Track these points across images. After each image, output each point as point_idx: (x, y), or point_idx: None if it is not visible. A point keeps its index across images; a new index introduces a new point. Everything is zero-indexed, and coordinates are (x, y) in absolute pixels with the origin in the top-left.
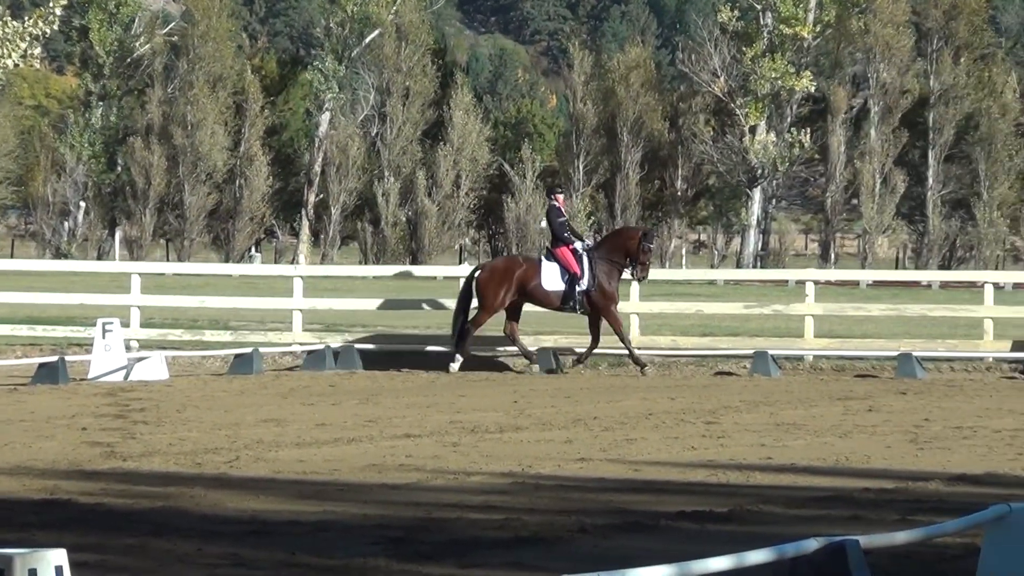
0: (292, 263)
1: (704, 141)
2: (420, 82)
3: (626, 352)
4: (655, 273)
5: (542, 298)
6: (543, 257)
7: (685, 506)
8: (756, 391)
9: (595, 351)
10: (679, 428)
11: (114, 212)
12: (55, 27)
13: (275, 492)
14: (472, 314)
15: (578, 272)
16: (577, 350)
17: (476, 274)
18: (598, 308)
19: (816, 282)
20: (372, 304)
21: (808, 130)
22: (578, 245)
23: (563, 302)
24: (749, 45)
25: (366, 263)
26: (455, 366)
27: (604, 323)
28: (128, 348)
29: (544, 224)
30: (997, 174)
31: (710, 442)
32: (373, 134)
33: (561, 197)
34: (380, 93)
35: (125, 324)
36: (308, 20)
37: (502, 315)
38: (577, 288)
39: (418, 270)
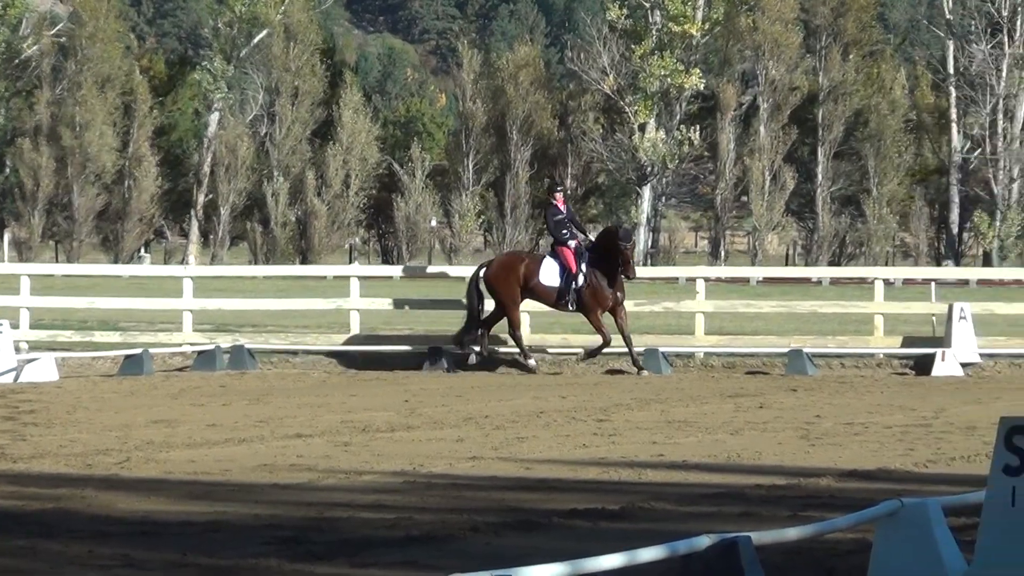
0: (182, 263)
1: (593, 139)
2: (309, 82)
3: (518, 352)
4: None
5: (541, 294)
6: (548, 254)
7: (577, 504)
8: (647, 388)
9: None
10: (570, 426)
11: (2, 213)
12: None
13: (166, 493)
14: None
15: (574, 270)
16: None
17: (482, 273)
18: (585, 308)
19: (706, 279)
20: (262, 304)
21: (697, 127)
22: (572, 244)
23: (558, 298)
24: (638, 43)
25: (256, 263)
26: (473, 359)
27: (612, 320)
28: (17, 350)
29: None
30: (886, 170)
31: (601, 440)
32: (262, 134)
33: (560, 196)
34: (269, 93)
35: (14, 326)
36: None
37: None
38: (572, 286)
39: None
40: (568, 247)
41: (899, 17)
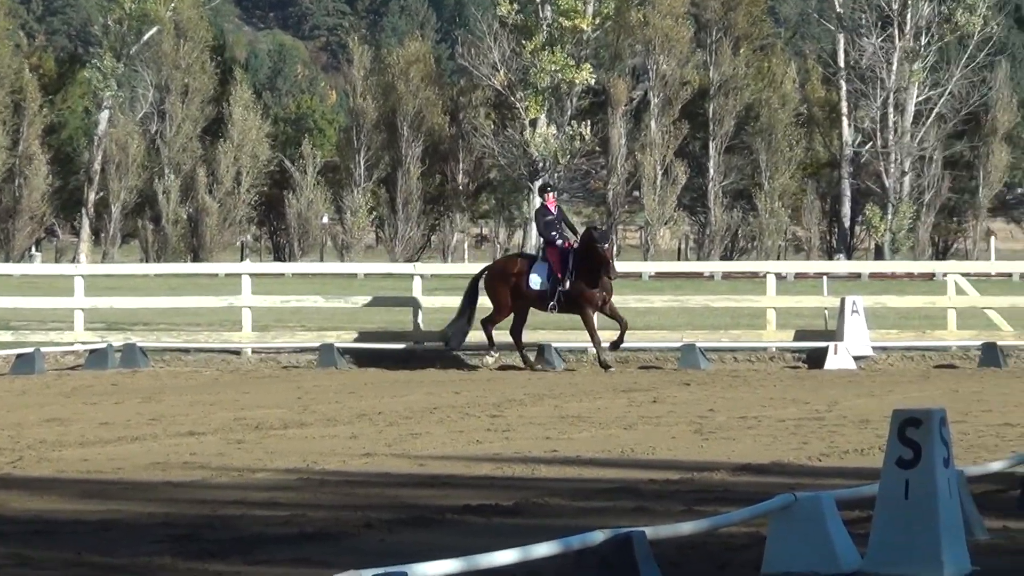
0: (73, 262)
1: (485, 135)
2: (199, 79)
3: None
4: (438, 267)
5: (529, 298)
6: (540, 257)
7: (471, 500)
8: (540, 384)
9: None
10: (464, 422)
11: None
12: None
13: (59, 492)
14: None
15: (559, 273)
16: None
17: (483, 275)
18: (577, 310)
19: None
20: (154, 302)
21: (589, 123)
22: (559, 244)
23: (544, 301)
24: (528, 38)
25: (147, 261)
26: (491, 360)
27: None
28: None
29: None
30: (778, 164)
31: (495, 436)
32: (153, 131)
33: (550, 196)
34: (159, 90)
35: None
36: (86, 18)
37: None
38: (559, 289)
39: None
40: (556, 248)
41: (789, 11)
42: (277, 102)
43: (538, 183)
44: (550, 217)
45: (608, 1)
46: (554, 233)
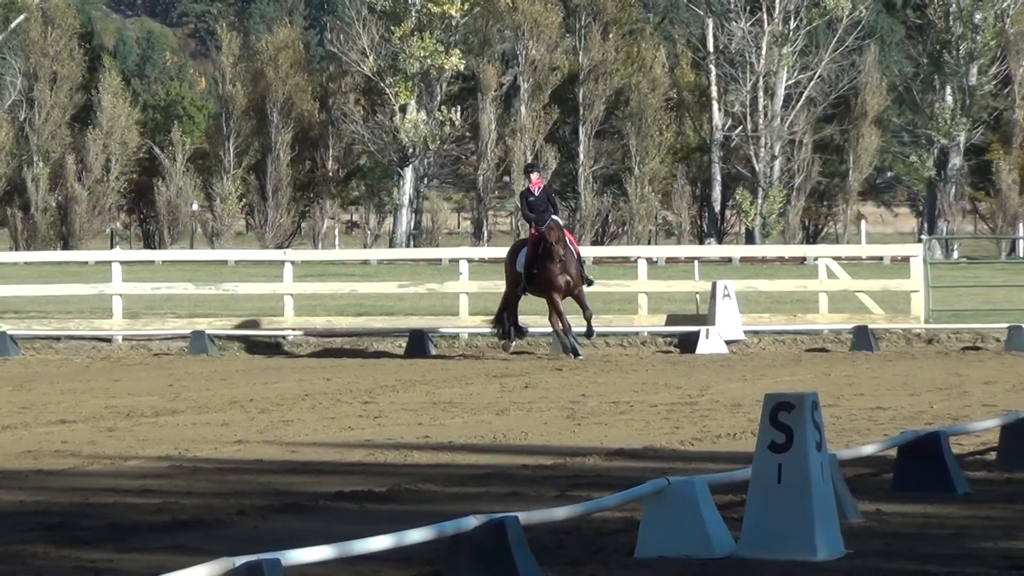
0: None
1: (355, 121)
2: (68, 66)
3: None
4: (307, 254)
5: (515, 278)
6: None
7: (344, 486)
8: (412, 370)
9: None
10: (336, 408)
11: None
12: None
13: None
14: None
15: (529, 254)
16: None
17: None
18: (541, 293)
19: (469, 260)
20: (24, 290)
21: (459, 108)
22: (540, 228)
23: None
24: (398, 24)
25: (16, 249)
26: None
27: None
28: None
29: None
30: (648, 149)
31: (367, 422)
32: (21, 119)
33: (535, 177)
34: (27, 78)
35: None
36: None
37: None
38: (531, 272)
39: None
40: (534, 231)
41: None
42: (146, 89)
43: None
44: (532, 198)
45: None
46: (532, 214)
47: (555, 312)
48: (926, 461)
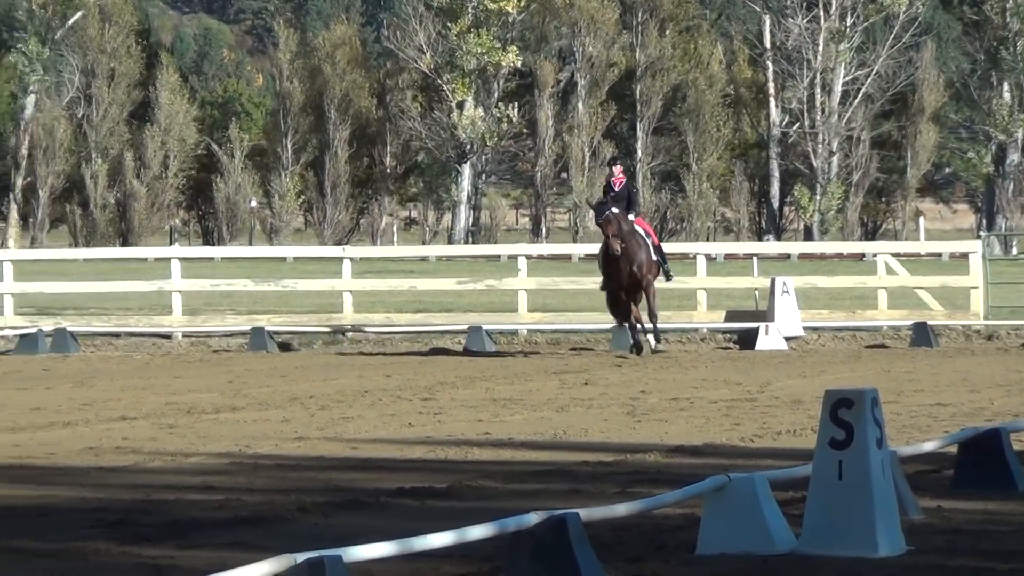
0: (1, 247)
1: (412, 117)
2: (125, 63)
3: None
4: (366, 251)
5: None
6: None
7: (404, 483)
8: (472, 367)
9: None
10: (396, 405)
11: None
12: None
13: None
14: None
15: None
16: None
17: None
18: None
19: (528, 256)
20: (84, 287)
21: (516, 105)
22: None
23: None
24: (454, 21)
25: (76, 246)
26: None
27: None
28: None
29: None
30: (706, 145)
31: (427, 418)
32: (79, 116)
33: (617, 169)
34: (85, 75)
35: None
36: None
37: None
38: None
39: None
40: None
41: None
42: (204, 86)
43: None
44: (613, 193)
45: None
46: (592, 206)
47: (617, 309)
48: (987, 457)
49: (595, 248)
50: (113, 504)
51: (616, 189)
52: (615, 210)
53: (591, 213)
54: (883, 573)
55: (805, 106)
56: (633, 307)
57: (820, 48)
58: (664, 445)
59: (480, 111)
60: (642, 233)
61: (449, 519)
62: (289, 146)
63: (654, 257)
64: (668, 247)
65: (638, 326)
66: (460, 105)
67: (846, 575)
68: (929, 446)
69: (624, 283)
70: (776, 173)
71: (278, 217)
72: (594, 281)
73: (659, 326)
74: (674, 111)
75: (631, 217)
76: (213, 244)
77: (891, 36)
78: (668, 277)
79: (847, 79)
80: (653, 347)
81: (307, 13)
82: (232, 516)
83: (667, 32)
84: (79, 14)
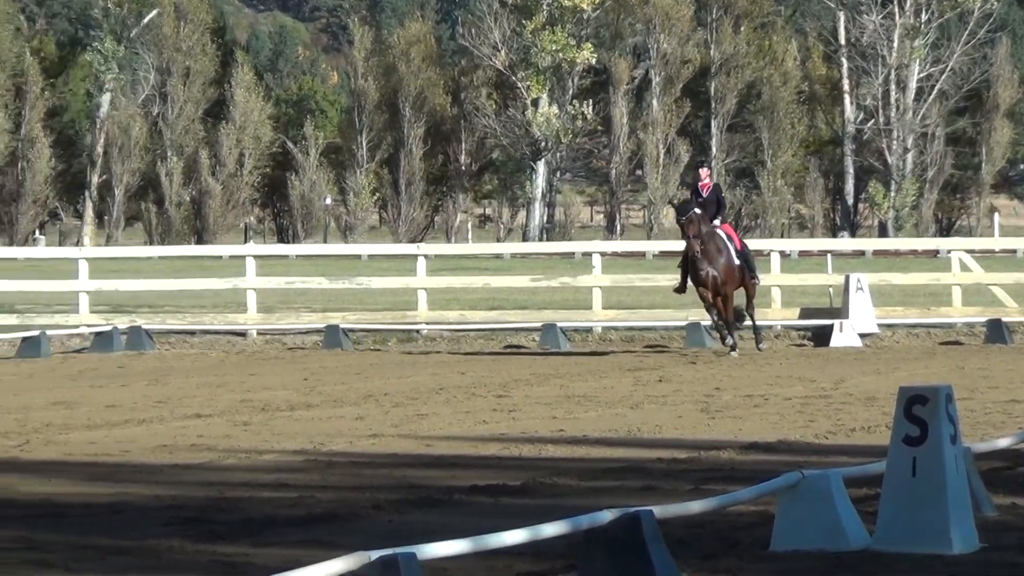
0: (77, 245)
1: (487, 115)
2: (200, 61)
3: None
4: (440, 248)
5: None
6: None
7: (478, 480)
8: (545, 364)
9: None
10: (470, 402)
11: None
12: None
13: (67, 475)
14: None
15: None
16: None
17: None
18: None
19: (602, 254)
20: (158, 285)
21: (590, 102)
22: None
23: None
24: (529, 18)
25: (151, 244)
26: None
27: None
28: None
29: None
30: (780, 142)
31: (502, 416)
32: (155, 114)
33: (703, 172)
34: (160, 73)
35: None
36: (86, 1)
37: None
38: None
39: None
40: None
41: None
42: (279, 84)
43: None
44: (701, 198)
45: None
46: (675, 206)
47: (708, 306)
48: None
49: (669, 245)
50: (187, 501)
51: (704, 194)
52: (697, 211)
53: (673, 213)
54: (957, 570)
55: (880, 103)
56: (710, 307)
57: (895, 45)
58: (738, 442)
59: (555, 108)
60: (724, 237)
61: (523, 516)
62: (364, 144)
63: (736, 262)
64: None
65: (729, 321)
66: (535, 102)
67: (920, 572)
68: (1003, 442)
69: (705, 285)
70: (851, 170)
71: (353, 215)
72: (668, 279)
73: (757, 324)
74: (749, 108)
75: (716, 222)
76: (288, 242)
77: (966, 32)
78: (754, 280)
79: (921, 75)
80: (758, 346)
81: (382, 11)
82: (306, 513)
83: (742, 29)
84: (154, 12)
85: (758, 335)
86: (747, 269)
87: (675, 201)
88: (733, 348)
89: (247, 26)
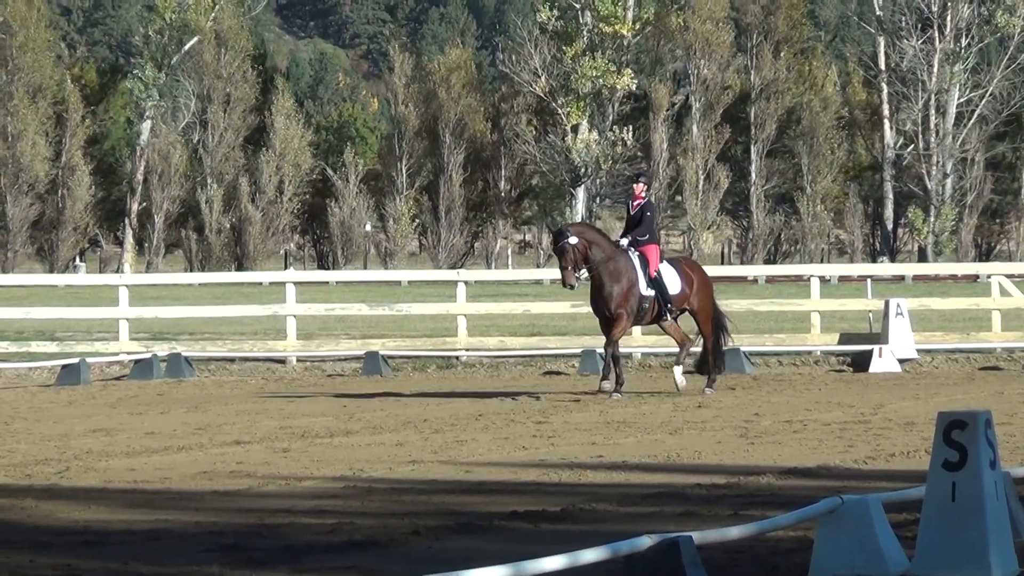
0: (117, 272)
1: (527, 141)
2: (241, 88)
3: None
4: (480, 274)
5: None
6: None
7: (518, 506)
8: (585, 389)
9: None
10: (509, 428)
11: None
12: None
13: (107, 502)
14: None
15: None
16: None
17: None
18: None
19: None
20: (198, 312)
21: (630, 128)
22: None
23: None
24: (569, 44)
25: (191, 271)
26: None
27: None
28: None
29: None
30: (820, 167)
31: (541, 442)
32: (195, 141)
33: (638, 187)
34: (201, 100)
35: None
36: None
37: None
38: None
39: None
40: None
41: (829, 14)
42: (319, 110)
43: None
44: (627, 216)
45: (648, 6)
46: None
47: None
48: None
49: (709, 271)
50: (227, 528)
51: (632, 211)
52: (573, 240)
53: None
54: None
55: (919, 128)
56: (674, 328)
57: (935, 70)
58: (777, 467)
59: (595, 134)
60: (629, 263)
61: (562, 542)
62: (404, 170)
63: (643, 291)
64: (782, 269)
65: (682, 357)
66: (575, 128)
67: None
68: None
69: (598, 314)
70: (890, 195)
71: (392, 241)
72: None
73: (715, 360)
74: (788, 133)
75: (624, 242)
76: (328, 268)
77: (1006, 57)
78: (666, 312)
79: (961, 100)
80: (679, 382)
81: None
82: (346, 540)
83: (781, 54)
84: (195, 39)
85: (712, 375)
86: (661, 300)
87: (552, 227)
88: (619, 386)
89: (287, 53)
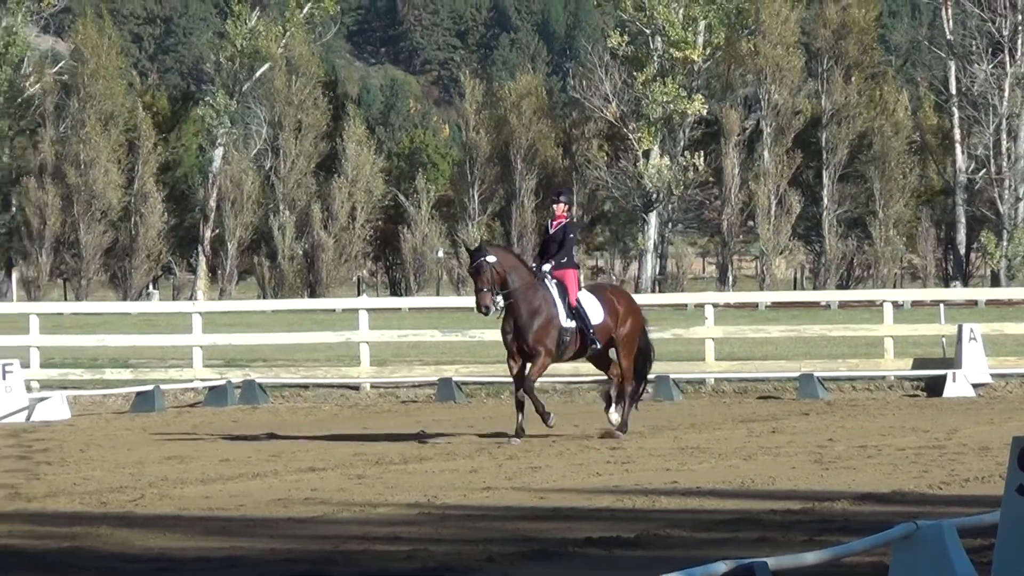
0: (190, 299)
1: (598, 167)
2: (312, 115)
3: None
4: None
5: None
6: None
7: (592, 532)
8: (659, 415)
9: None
10: (583, 455)
11: (10, 253)
12: None
13: (181, 529)
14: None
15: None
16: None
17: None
18: None
19: (715, 305)
20: (272, 338)
21: (702, 153)
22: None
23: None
24: (640, 70)
25: (264, 297)
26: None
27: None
28: (29, 389)
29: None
30: (892, 192)
31: (615, 468)
32: (267, 168)
33: (558, 206)
34: (272, 127)
35: (25, 365)
36: (198, 56)
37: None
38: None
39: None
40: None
41: (900, 39)
42: (390, 137)
43: (652, 214)
44: (547, 235)
45: (718, 31)
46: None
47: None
48: None
49: (782, 296)
50: (302, 555)
51: (551, 231)
52: (491, 259)
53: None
54: None
55: (991, 152)
56: (611, 366)
57: (1006, 94)
58: (852, 493)
59: (666, 160)
60: (549, 292)
61: (637, 568)
62: (476, 196)
63: (564, 323)
64: (855, 294)
65: (612, 393)
66: (646, 154)
67: None
68: None
69: (509, 351)
70: (962, 219)
71: (465, 267)
72: (780, 330)
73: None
74: (860, 158)
75: (546, 268)
76: (400, 295)
77: None
78: (593, 344)
79: None
80: (613, 422)
81: (493, 63)
82: (420, 567)
83: (852, 79)
84: (266, 66)
85: (625, 415)
86: (584, 330)
87: (469, 246)
88: (519, 433)
89: (358, 79)
